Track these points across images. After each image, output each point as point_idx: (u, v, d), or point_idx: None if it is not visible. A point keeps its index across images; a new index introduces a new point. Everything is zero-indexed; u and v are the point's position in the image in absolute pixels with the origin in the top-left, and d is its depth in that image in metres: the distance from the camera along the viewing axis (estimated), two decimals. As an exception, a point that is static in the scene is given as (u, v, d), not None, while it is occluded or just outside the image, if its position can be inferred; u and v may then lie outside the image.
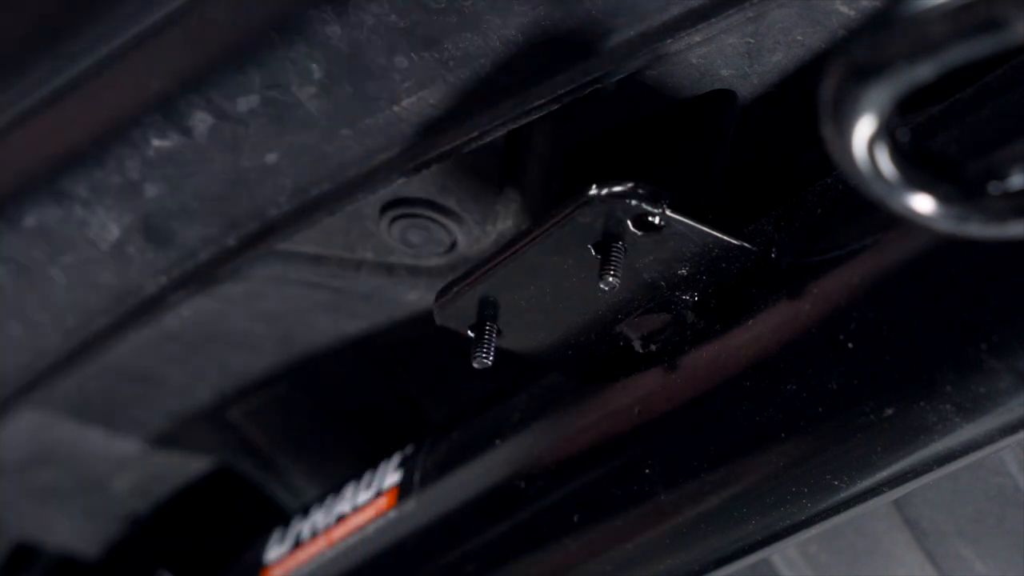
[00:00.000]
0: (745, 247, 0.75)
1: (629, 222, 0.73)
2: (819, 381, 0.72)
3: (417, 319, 0.99)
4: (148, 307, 0.95)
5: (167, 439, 1.14)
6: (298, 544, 0.99)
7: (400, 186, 0.87)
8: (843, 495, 0.75)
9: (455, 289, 0.78)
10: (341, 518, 0.95)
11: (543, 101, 0.80)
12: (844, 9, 0.75)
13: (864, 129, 0.54)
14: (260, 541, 1.04)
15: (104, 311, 0.96)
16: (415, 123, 0.82)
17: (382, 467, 0.95)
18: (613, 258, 0.74)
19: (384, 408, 1.11)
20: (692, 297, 0.77)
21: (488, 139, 0.83)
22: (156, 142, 0.85)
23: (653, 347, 0.80)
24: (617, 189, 0.72)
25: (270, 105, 0.83)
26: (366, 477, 0.96)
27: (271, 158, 0.86)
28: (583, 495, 0.82)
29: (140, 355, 1.01)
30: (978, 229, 0.57)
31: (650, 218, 0.73)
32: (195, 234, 0.90)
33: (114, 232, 0.90)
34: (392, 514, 0.91)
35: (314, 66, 0.80)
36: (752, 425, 0.75)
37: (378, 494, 0.93)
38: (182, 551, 1.25)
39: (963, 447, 0.71)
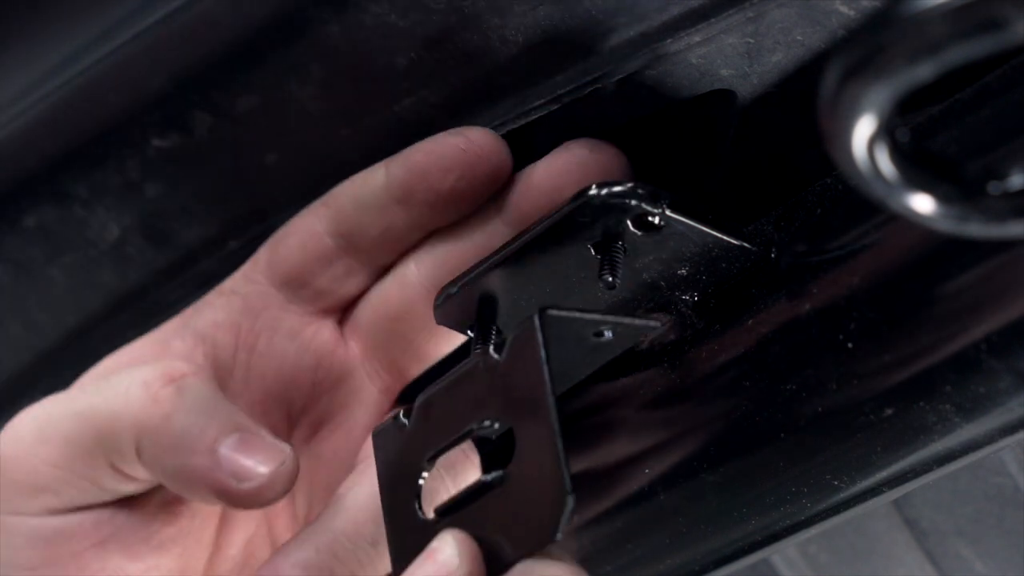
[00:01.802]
0: (745, 247, 0.75)
1: (629, 222, 0.73)
2: (819, 381, 0.72)
3: (417, 319, 0.98)
4: (148, 307, 0.95)
5: (167, 439, 1.13)
6: (298, 544, 0.98)
7: (400, 186, 0.87)
8: (843, 495, 0.75)
9: (454, 289, 0.78)
10: (341, 518, 0.95)
11: (543, 101, 0.80)
12: (844, 9, 0.75)
13: (864, 129, 0.54)
14: (260, 541, 1.03)
15: (104, 311, 0.96)
16: (415, 123, 0.82)
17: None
18: (613, 258, 0.74)
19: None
20: (692, 297, 0.77)
21: (488, 139, 0.83)
22: (156, 142, 0.85)
23: (653, 347, 0.80)
24: (617, 189, 0.72)
25: (270, 105, 0.82)
26: (366, 477, 0.95)
27: (271, 158, 0.86)
28: (583, 495, 0.82)
29: (140, 355, 1.01)
30: (978, 229, 0.57)
31: (650, 218, 0.73)
32: (195, 234, 0.90)
33: (114, 232, 0.90)
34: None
35: (314, 66, 0.80)
36: (752, 425, 0.75)
37: (378, 494, 0.93)
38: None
39: (963, 447, 0.71)
